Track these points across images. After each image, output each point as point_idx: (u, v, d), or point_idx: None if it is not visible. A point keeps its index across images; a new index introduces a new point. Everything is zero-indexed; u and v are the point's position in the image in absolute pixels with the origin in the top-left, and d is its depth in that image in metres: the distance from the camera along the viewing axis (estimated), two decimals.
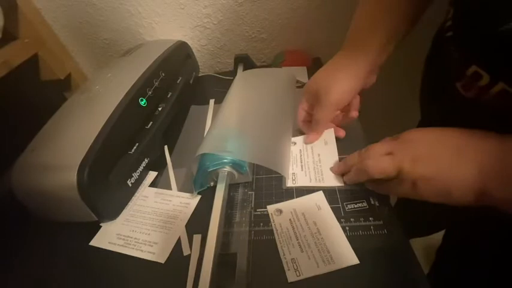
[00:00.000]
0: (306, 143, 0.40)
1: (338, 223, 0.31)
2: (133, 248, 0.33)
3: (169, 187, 0.39)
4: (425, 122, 0.46)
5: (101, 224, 0.35)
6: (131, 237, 0.34)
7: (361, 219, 0.31)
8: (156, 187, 0.39)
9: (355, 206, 0.32)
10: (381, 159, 0.30)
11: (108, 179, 0.33)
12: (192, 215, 0.35)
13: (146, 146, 0.39)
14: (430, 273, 0.56)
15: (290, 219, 0.32)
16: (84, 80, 0.66)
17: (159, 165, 0.42)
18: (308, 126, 0.41)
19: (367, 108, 0.40)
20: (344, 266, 0.27)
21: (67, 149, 0.33)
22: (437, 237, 0.56)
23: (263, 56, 0.66)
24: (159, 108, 0.45)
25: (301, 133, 0.42)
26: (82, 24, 0.61)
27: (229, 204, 0.35)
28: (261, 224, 0.32)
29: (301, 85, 0.53)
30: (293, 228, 0.31)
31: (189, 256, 0.31)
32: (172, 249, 0.32)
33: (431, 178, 0.26)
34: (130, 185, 0.37)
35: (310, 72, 0.56)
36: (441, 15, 0.34)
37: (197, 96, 0.56)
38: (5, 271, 0.34)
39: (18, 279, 0.33)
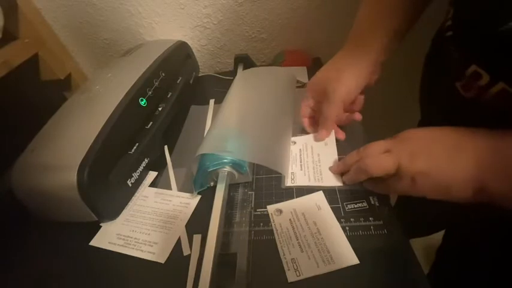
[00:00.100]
0: (316, 140, 0.40)
1: (338, 223, 0.31)
2: (133, 248, 0.33)
3: (169, 187, 0.39)
4: (425, 122, 0.46)
5: (101, 224, 0.35)
6: (131, 237, 0.34)
7: (361, 219, 0.31)
8: (156, 187, 0.39)
9: (355, 206, 0.32)
10: (379, 156, 0.30)
11: (108, 179, 0.33)
12: (192, 215, 0.35)
13: (146, 146, 0.39)
14: (430, 273, 0.56)
15: (290, 219, 0.32)
16: (84, 80, 0.66)
17: (159, 165, 0.42)
18: (312, 123, 0.42)
19: (367, 108, 0.40)
20: (344, 266, 0.27)
21: (67, 149, 0.33)
22: (437, 237, 0.56)
23: (263, 56, 0.66)
24: (159, 108, 0.45)
25: (301, 133, 0.42)
26: (82, 24, 0.61)
27: (229, 204, 0.35)
28: (261, 224, 0.32)
29: (301, 85, 0.53)
30: (293, 228, 0.31)
31: (189, 256, 0.31)
32: (172, 249, 0.32)
33: (429, 173, 0.27)
34: (130, 185, 0.37)
35: (310, 72, 0.56)
36: (441, 15, 0.34)
37: (197, 96, 0.56)
38: (5, 271, 0.34)
39: (18, 279, 0.33)
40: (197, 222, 0.34)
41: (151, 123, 0.42)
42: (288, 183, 0.36)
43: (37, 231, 0.37)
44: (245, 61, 0.57)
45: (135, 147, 0.38)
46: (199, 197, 0.37)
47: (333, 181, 0.35)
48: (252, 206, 0.35)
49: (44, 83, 0.59)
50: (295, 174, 0.37)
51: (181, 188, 0.39)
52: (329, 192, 0.34)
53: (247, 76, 0.52)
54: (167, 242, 0.33)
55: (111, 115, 0.35)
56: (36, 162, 0.33)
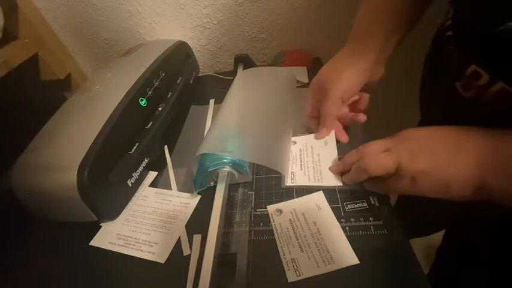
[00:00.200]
0: (316, 138, 0.40)
1: (338, 223, 0.31)
2: (133, 248, 0.33)
3: (169, 187, 0.39)
4: (425, 122, 0.46)
5: (101, 224, 0.35)
6: (131, 237, 0.34)
7: (361, 219, 0.31)
8: (156, 187, 0.39)
9: (355, 206, 0.32)
10: (379, 156, 0.30)
11: (108, 179, 0.33)
12: (192, 215, 0.35)
13: (146, 146, 0.39)
14: (430, 273, 0.56)
15: (290, 219, 0.32)
16: (84, 80, 0.66)
17: (159, 165, 0.42)
18: (315, 122, 0.41)
19: (367, 108, 0.40)
20: (344, 266, 0.27)
21: (67, 149, 0.33)
22: (437, 237, 0.56)
23: (263, 56, 0.66)
24: (159, 108, 0.45)
25: (301, 133, 0.42)
26: (82, 24, 0.61)
27: (229, 204, 0.35)
28: (261, 224, 0.32)
29: (301, 85, 0.53)
30: (293, 228, 0.31)
31: (189, 256, 0.31)
32: (172, 249, 0.32)
33: (430, 173, 0.27)
34: (130, 185, 0.37)
35: (310, 72, 0.56)
36: (441, 15, 0.34)
37: (197, 96, 0.56)
38: (5, 271, 0.34)
39: (18, 279, 0.33)
40: (197, 222, 0.34)
41: (151, 123, 0.42)
42: (288, 183, 0.36)
43: (37, 231, 0.37)
44: (245, 61, 0.57)
45: (135, 147, 0.38)
46: (199, 197, 0.37)
47: (332, 181, 0.35)
48: (252, 206, 0.35)
49: (44, 83, 0.59)
50: (295, 174, 0.37)
51: (181, 188, 0.39)
52: (329, 192, 0.34)
53: (247, 76, 0.52)
54: (167, 242, 0.33)
55: (111, 115, 0.35)
56: (36, 162, 0.33)
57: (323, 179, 0.35)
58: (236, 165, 0.34)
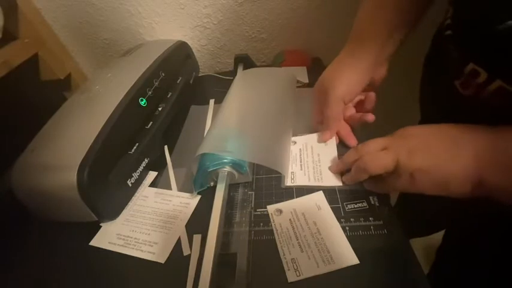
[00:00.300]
0: (319, 141, 0.40)
1: (338, 223, 0.31)
2: (133, 248, 0.33)
3: (169, 187, 0.39)
4: (425, 121, 0.46)
5: (101, 224, 0.35)
6: (131, 237, 0.34)
7: (361, 219, 0.31)
8: (156, 187, 0.39)
9: (355, 206, 0.32)
10: (378, 154, 0.30)
11: (108, 179, 0.33)
12: (192, 215, 0.35)
13: (146, 146, 0.39)
14: (430, 273, 0.56)
15: (290, 219, 0.32)
16: (84, 80, 0.66)
17: (159, 165, 0.42)
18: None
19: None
20: (344, 266, 0.27)
21: (67, 149, 0.33)
22: (437, 237, 0.56)
23: (263, 56, 0.66)
24: (159, 108, 0.45)
25: (301, 133, 0.42)
26: (82, 24, 0.61)
27: (229, 204, 0.35)
28: (261, 224, 0.32)
29: (301, 85, 0.53)
30: (293, 228, 0.31)
31: (189, 256, 0.31)
32: (172, 249, 0.32)
33: (428, 170, 0.27)
34: (130, 185, 0.37)
35: (310, 72, 0.56)
36: (441, 15, 0.34)
37: (197, 96, 0.56)
38: (5, 271, 0.34)
39: (18, 279, 0.33)
40: (197, 222, 0.34)
41: (151, 123, 0.42)
42: (288, 183, 0.36)
43: (37, 231, 0.37)
44: (245, 61, 0.57)
45: (135, 147, 0.38)
46: (199, 197, 0.37)
47: (332, 181, 0.35)
48: (252, 206, 0.35)
49: (44, 83, 0.59)
50: (295, 174, 0.37)
51: (181, 188, 0.39)
52: (329, 192, 0.34)
53: (247, 76, 0.52)
54: (167, 242, 0.33)
55: (111, 115, 0.35)
56: (36, 162, 0.33)
57: (323, 179, 0.35)
58: (236, 165, 0.34)
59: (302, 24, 0.61)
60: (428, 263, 0.58)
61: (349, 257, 0.28)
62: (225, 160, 0.34)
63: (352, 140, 0.39)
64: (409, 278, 0.27)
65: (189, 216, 0.35)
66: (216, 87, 0.58)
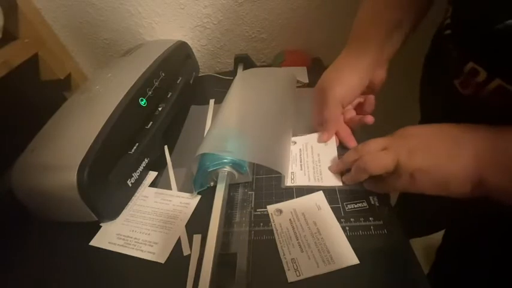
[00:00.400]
0: (318, 141, 0.40)
1: (338, 223, 0.31)
2: (133, 248, 0.33)
3: (169, 187, 0.39)
4: (425, 121, 0.46)
5: (101, 224, 0.35)
6: (131, 237, 0.34)
7: (361, 219, 0.31)
8: (156, 187, 0.39)
9: (355, 206, 0.32)
10: (378, 154, 0.30)
11: (108, 179, 0.33)
12: (192, 215, 0.35)
13: (146, 146, 0.39)
14: (430, 273, 0.56)
15: (290, 219, 0.32)
16: (84, 80, 0.66)
17: (159, 165, 0.42)
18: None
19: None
20: (344, 266, 0.27)
21: (67, 149, 0.33)
22: (437, 237, 0.56)
23: (263, 56, 0.66)
24: (159, 108, 0.45)
25: (301, 133, 0.42)
26: (82, 24, 0.61)
27: (229, 204, 0.35)
28: (261, 224, 0.32)
29: (301, 85, 0.53)
30: (293, 228, 0.31)
31: (189, 256, 0.31)
32: (172, 249, 0.32)
33: (428, 170, 0.27)
34: (130, 185, 0.37)
35: (310, 72, 0.56)
36: (441, 15, 0.34)
37: (197, 96, 0.56)
38: (5, 271, 0.34)
39: (18, 279, 0.33)
40: (197, 222, 0.34)
41: (151, 123, 0.42)
42: (288, 183, 0.36)
43: (37, 231, 0.37)
44: (245, 61, 0.57)
45: (135, 147, 0.38)
46: (199, 197, 0.37)
47: (332, 181, 0.35)
48: (252, 206, 0.35)
49: (44, 83, 0.59)
50: (295, 174, 0.37)
51: (181, 188, 0.39)
52: (329, 192, 0.34)
53: (247, 76, 0.52)
54: (167, 242, 0.33)
55: (111, 115, 0.35)
56: (36, 162, 0.33)
57: (323, 179, 0.35)
58: (236, 165, 0.34)
59: (302, 24, 0.61)
60: (428, 263, 0.58)
61: (349, 257, 0.28)
62: (225, 160, 0.34)
63: (351, 142, 0.39)
64: (409, 278, 0.27)
65: (189, 216, 0.35)
66: (216, 87, 0.58)
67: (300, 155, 0.39)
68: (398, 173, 0.28)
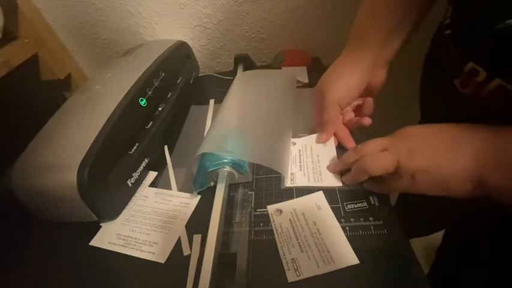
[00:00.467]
0: (317, 142, 0.40)
1: (338, 223, 0.31)
2: (133, 248, 0.33)
3: (169, 187, 0.39)
4: (425, 121, 0.46)
5: (101, 224, 0.35)
6: (131, 237, 0.34)
7: (361, 219, 0.31)
8: (156, 187, 0.39)
9: (355, 206, 0.32)
10: (378, 155, 0.30)
11: (108, 179, 0.33)
12: (192, 215, 0.35)
13: (146, 146, 0.39)
14: (430, 273, 0.56)
15: (290, 219, 0.32)
16: (84, 80, 0.66)
17: (159, 165, 0.42)
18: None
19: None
20: (344, 266, 0.27)
21: (67, 149, 0.33)
22: (437, 237, 0.56)
23: (263, 56, 0.66)
24: (159, 108, 0.45)
25: (300, 133, 0.42)
26: (82, 24, 0.61)
27: (229, 204, 0.35)
28: (261, 224, 0.32)
29: (301, 85, 0.53)
30: (293, 228, 0.31)
31: (189, 256, 0.31)
32: (172, 249, 0.32)
33: (428, 170, 0.27)
34: (130, 185, 0.37)
35: (310, 72, 0.56)
36: (441, 15, 0.34)
37: (197, 96, 0.56)
38: (5, 271, 0.34)
39: (18, 279, 0.33)
40: (197, 222, 0.34)
41: (151, 123, 0.42)
42: (288, 183, 0.36)
43: (37, 231, 0.37)
44: (245, 61, 0.57)
45: (135, 147, 0.38)
46: (199, 197, 0.37)
47: (332, 181, 0.35)
48: (252, 206, 0.35)
49: (44, 83, 0.59)
50: (295, 175, 0.37)
51: (181, 188, 0.39)
52: (329, 192, 0.34)
53: (247, 76, 0.52)
54: (167, 242, 0.33)
55: (111, 115, 0.35)
56: (36, 162, 0.33)
57: (323, 179, 0.35)
58: (236, 165, 0.34)
59: (302, 24, 0.61)
60: (428, 263, 0.58)
61: (349, 257, 0.28)
62: (225, 160, 0.34)
63: (350, 143, 0.39)
64: (409, 278, 0.27)
65: (189, 216, 0.35)
66: (216, 87, 0.58)
67: (300, 155, 0.39)
68: (399, 174, 0.28)
